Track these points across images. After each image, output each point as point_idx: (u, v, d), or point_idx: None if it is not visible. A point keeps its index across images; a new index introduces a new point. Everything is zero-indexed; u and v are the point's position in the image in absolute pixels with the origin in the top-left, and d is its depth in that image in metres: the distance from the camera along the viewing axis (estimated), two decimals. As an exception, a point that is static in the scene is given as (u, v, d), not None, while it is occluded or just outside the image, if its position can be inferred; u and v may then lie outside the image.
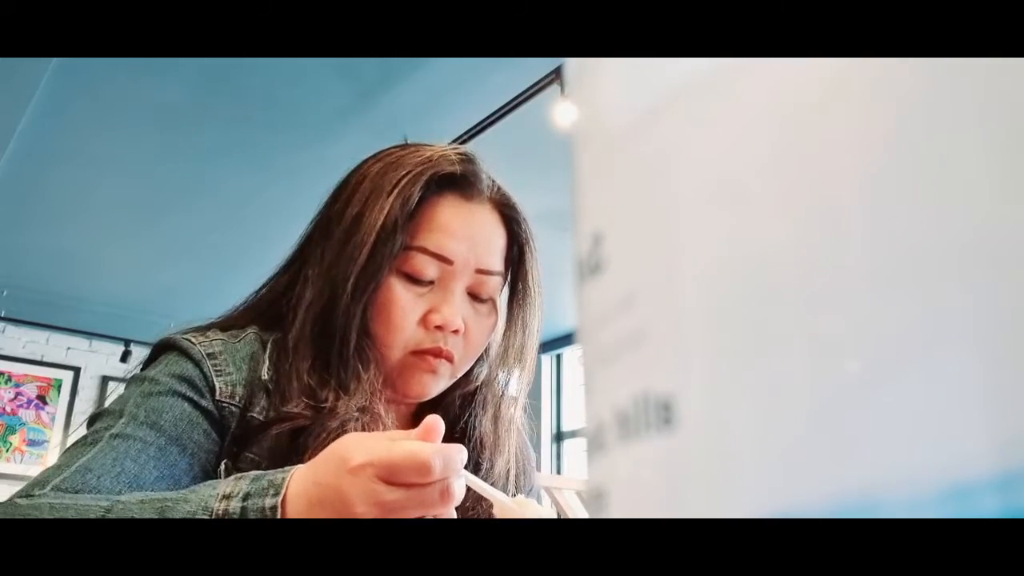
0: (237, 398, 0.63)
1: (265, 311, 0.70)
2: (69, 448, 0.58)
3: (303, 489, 0.48)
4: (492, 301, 0.70)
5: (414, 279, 0.65)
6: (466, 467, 0.63)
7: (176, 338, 0.65)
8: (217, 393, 0.62)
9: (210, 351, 0.64)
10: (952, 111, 0.11)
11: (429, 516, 0.49)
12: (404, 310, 0.65)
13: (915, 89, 0.11)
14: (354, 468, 0.46)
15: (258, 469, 0.55)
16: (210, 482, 0.52)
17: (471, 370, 0.72)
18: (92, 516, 0.48)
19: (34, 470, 4.03)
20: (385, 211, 0.64)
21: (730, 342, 0.12)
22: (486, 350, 0.72)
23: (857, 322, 0.11)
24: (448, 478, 0.48)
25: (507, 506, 0.53)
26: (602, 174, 0.15)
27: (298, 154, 2.68)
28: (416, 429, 0.50)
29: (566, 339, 4.09)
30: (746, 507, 0.11)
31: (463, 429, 0.71)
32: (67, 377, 4.55)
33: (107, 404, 0.63)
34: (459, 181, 0.68)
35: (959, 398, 0.10)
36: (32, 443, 4.39)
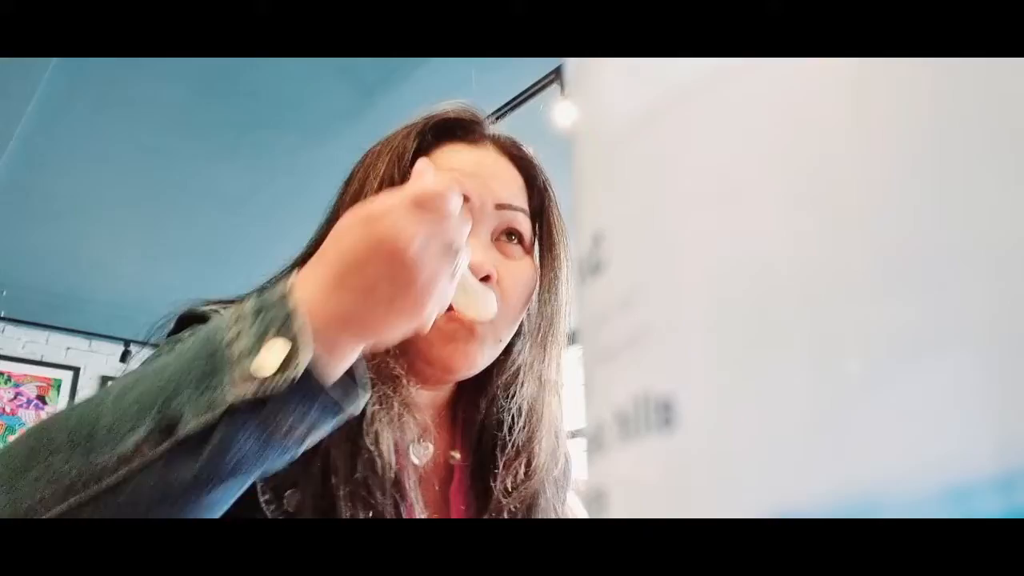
0: None
1: None
2: None
3: (316, 273, 0.44)
4: (523, 246, 0.63)
5: None
6: (503, 464, 0.61)
7: (203, 309, 0.63)
8: None
9: None
10: (952, 112, 0.11)
11: (452, 254, 0.46)
12: None
13: (915, 90, 0.11)
14: (381, 212, 0.43)
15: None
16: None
17: (510, 346, 0.64)
18: (96, 401, 0.46)
19: (34, 470, 4.02)
20: (380, 172, 0.61)
21: (730, 342, 0.12)
22: (522, 324, 0.64)
23: (857, 322, 0.11)
24: (458, 221, 0.45)
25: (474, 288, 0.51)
26: (602, 174, 0.15)
27: (298, 154, 2.68)
28: (409, 181, 0.47)
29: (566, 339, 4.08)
30: (746, 507, 0.11)
31: (502, 422, 0.63)
32: (67, 377, 4.55)
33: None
34: (457, 126, 0.64)
35: (959, 398, 0.10)
36: (32, 443, 4.39)
